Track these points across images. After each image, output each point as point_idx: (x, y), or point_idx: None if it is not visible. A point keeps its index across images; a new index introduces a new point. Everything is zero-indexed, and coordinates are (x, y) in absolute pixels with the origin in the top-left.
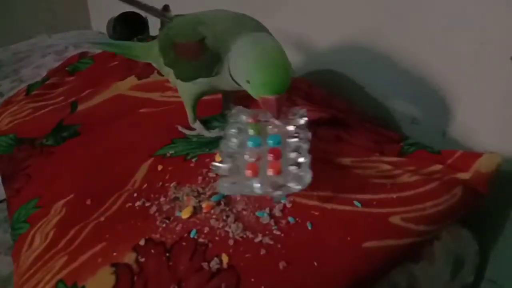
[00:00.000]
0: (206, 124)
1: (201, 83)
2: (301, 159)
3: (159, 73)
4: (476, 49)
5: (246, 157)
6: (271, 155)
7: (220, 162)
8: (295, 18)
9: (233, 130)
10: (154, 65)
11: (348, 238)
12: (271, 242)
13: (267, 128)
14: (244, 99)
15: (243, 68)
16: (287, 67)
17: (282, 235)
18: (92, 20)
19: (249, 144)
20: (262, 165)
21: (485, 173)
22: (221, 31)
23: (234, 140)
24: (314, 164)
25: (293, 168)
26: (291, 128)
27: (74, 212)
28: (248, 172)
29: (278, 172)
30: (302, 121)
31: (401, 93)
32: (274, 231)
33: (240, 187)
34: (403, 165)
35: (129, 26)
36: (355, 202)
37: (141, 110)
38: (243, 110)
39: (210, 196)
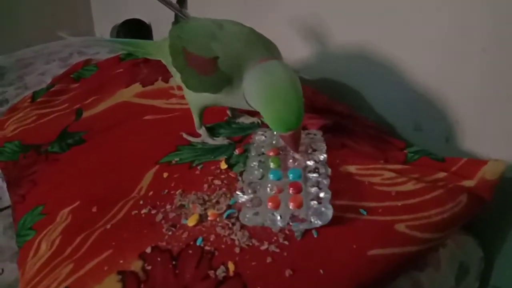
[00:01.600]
0: (212, 131)
1: (206, 96)
2: (322, 194)
3: (164, 80)
4: (478, 55)
5: (268, 189)
6: (292, 188)
7: (241, 191)
8: (298, 24)
9: (255, 163)
10: (163, 61)
11: (354, 246)
12: (277, 250)
13: (287, 161)
14: None
15: (257, 104)
16: (298, 103)
17: (288, 243)
18: (95, 26)
19: (270, 177)
20: (283, 198)
21: (490, 180)
22: (234, 53)
23: (256, 172)
24: None
25: (314, 203)
26: (311, 163)
27: (80, 219)
28: (270, 205)
29: (299, 206)
30: (322, 157)
31: (404, 99)
32: (280, 239)
33: (262, 218)
34: (408, 172)
35: (132, 33)
36: (361, 210)
37: (146, 117)
38: (263, 141)
39: (215, 203)
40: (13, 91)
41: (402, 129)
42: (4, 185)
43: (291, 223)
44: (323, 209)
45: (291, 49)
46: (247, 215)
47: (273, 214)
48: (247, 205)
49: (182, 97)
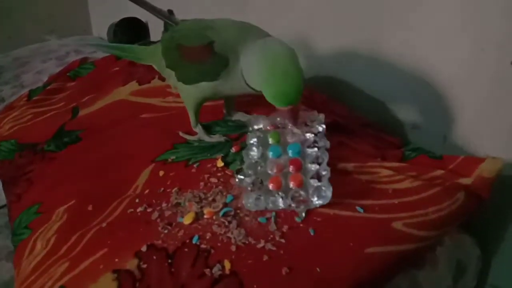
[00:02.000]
0: (208, 129)
1: (204, 87)
2: (321, 172)
3: (160, 79)
4: (476, 54)
5: (268, 169)
6: (292, 166)
7: (241, 173)
8: (296, 24)
9: (254, 140)
10: (155, 67)
11: (351, 244)
12: (274, 248)
13: (286, 136)
14: (245, 105)
15: (257, 79)
16: (298, 77)
17: (285, 241)
18: (93, 25)
19: (270, 154)
20: (283, 176)
21: (487, 178)
22: (229, 36)
23: (255, 149)
24: None
25: (314, 181)
26: (309, 136)
27: (76, 218)
28: (272, 186)
29: (300, 185)
30: (321, 128)
31: (402, 98)
32: (277, 237)
33: (264, 202)
34: (405, 170)
35: (129, 32)
36: (358, 208)
37: (142, 116)
38: (261, 116)
39: (212, 201)
40: (9, 90)
41: (401, 127)
42: (0, 184)
43: (292, 204)
44: (323, 188)
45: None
46: (250, 200)
47: (275, 197)
48: (248, 188)
49: (179, 95)
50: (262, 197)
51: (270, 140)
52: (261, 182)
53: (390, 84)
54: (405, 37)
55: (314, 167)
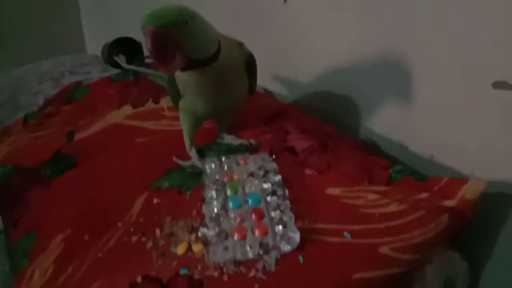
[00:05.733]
0: (201, 153)
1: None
2: (284, 218)
3: (154, 101)
4: (460, 76)
5: (232, 220)
6: (254, 215)
7: (205, 226)
8: (282, 39)
9: (212, 193)
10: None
11: (339, 270)
12: (264, 277)
13: (244, 186)
14: (237, 128)
15: None
16: (163, 9)
17: (275, 269)
18: (87, 44)
19: (230, 205)
20: (248, 226)
21: (470, 199)
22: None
23: (215, 202)
24: (306, 194)
25: (279, 228)
26: (267, 185)
27: (72, 248)
28: (237, 236)
29: (265, 233)
30: (277, 178)
31: (391, 118)
32: (267, 266)
33: (232, 252)
34: (391, 194)
35: (124, 51)
36: (345, 234)
37: (137, 140)
38: (215, 168)
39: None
40: (6, 112)
41: (389, 146)
42: None
43: (261, 253)
44: (290, 233)
45: (279, 67)
46: (217, 252)
47: (242, 246)
48: (214, 240)
49: (173, 118)
50: (230, 248)
51: (229, 192)
52: (227, 234)
53: (379, 104)
54: (391, 59)
55: (277, 214)
